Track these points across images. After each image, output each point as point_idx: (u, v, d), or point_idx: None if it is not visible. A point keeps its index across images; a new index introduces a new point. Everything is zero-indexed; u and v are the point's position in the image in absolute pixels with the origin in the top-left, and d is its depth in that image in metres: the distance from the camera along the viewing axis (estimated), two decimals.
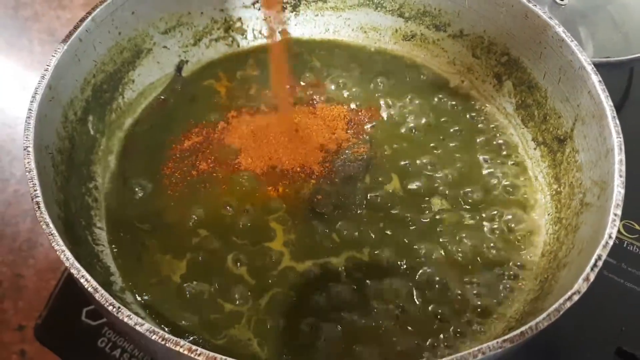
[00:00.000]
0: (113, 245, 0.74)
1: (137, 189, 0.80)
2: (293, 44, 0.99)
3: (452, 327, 0.70)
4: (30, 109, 0.65)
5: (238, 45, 0.97)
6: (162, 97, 0.90)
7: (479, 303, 0.72)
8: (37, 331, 0.85)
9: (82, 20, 0.75)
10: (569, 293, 0.56)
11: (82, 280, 0.54)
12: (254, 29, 0.97)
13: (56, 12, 1.72)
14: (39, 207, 0.58)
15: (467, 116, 0.91)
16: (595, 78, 0.72)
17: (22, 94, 1.42)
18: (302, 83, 0.93)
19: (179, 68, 0.92)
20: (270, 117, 0.87)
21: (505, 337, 0.53)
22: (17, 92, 1.44)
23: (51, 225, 0.57)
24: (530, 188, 0.82)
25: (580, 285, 0.57)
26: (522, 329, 0.54)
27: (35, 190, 0.60)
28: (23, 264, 1.22)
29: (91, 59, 0.78)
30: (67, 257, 0.55)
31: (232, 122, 0.87)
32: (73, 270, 0.55)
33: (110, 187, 0.80)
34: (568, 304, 0.56)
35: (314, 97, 0.91)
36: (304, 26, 0.99)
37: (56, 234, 0.57)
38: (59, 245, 0.56)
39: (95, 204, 0.77)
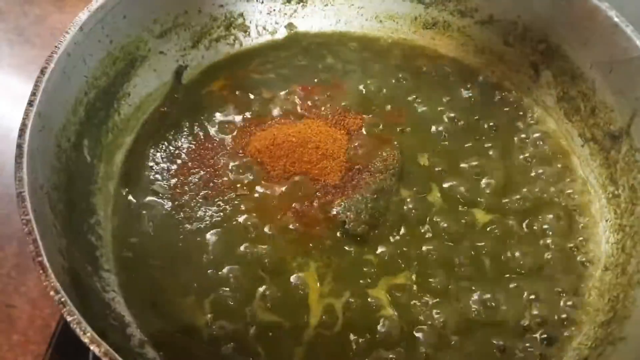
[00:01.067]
0: (124, 290, 0.65)
1: (144, 219, 0.70)
2: (301, 39, 0.89)
3: (514, 359, 0.62)
4: (19, 145, 0.55)
5: (241, 45, 0.87)
6: (163, 109, 0.80)
7: (542, 328, 0.64)
8: None
9: (68, 31, 0.64)
10: None
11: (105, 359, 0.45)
12: (258, 24, 0.87)
13: (22, 7, 1.57)
14: (44, 271, 0.49)
15: (502, 111, 0.82)
16: None
17: None
18: (317, 82, 0.84)
19: (178, 74, 0.82)
20: (285, 127, 0.78)
21: None
22: None
23: (62, 292, 0.48)
24: (581, 190, 0.75)
25: None
26: None
27: (36, 248, 0.50)
28: (14, 292, 1.10)
29: (82, 75, 0.68)
30: (85, 330, 0.46)
31: (243, 134, 0.78)
32: (93, 348, 0.46)
33: (114, 220, 0.70)
34: None
35: (332, 101, 0.81)
36: (313, 18, 0.89)
37: (69, 302, 0.48)
38: (73, 317, 0.47)
39: (100, 242, 0.67)
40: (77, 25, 0.65)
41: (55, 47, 0.63)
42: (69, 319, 0.47)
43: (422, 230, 0.70)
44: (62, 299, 0.47)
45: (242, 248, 0.68)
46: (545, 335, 0.64)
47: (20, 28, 1.50)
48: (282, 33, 0.89)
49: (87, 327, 0.47)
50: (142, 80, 0.78)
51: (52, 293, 0.48)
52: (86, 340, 0.46)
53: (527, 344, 0.63)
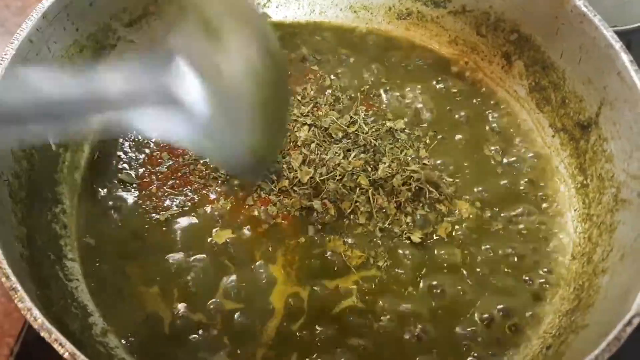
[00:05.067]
0: (89, 279, 0.65)
1: (111, 209, 0.70)
2: (275, 29, 0.88)
3: (480, 348, 0.62)
4: None
5: None
6: None
7: (508, 316, 0.64)
8: None
9: (31, 18, 0.63)
10: (628, 317, 0.49)
11: (55, 346, 0.45)
12: None
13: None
14: None
15: (474, 102, 0.82)
16: (625, 57, 0.64)
17: None
18: (290, 72, 0.83)
19: None
20: None
21: None
22: None
23: (12, 277, 0.47)
24: (551, 180, 0.75)
25: None
26: None
27: None
28: None
29: (46, 62, 0.67)
30: (36, 317, 0.46)
31: None
32: (44, 334, 0.45)
33: (80, 209, 0.69)
34: (629, 330, 0.49)
35: (304, 91, 0.81)
36: (287, 8, 0.88)
37: (19, 288, 0.47)
38: (24, 303, 0.46)
39: (65, 231, 0.66)
40: (40, 12, 0.64)
41: (17, 33, 0.62)
42: (20, 305, 0.46)
43: (392, 223, 0.70)
44: (13, 286, 0.47)
45: (208, 238, 0.68)
46: (510, 324, 0.64)
47: (1, 19, 1.49)
48: None
49: (38, 314, 0.46)
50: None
51: (3, 279, 0.47)
52: (36, 327, 0.45)
53: (493, 333, 0.63)
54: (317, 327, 0.63)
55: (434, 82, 0.83)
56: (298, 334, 0.62)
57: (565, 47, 0.72)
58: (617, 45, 0.65)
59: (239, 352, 0.61)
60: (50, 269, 0.61)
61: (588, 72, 0.70)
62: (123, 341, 0.61)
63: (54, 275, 0.61)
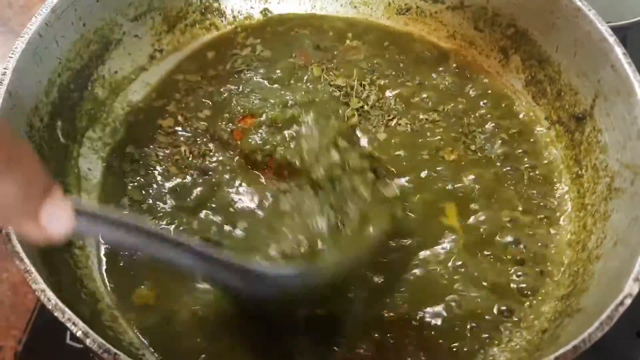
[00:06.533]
0: (98, 267, 0.66)
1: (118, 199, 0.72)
2: (277, 24, 0.90)
3: (476, 333, 0.64)
4: None
5: (217, 29, 0.88)
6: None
7: (503, 302, 0.66)
8: (18, 359, 0.77)
9: (40, 12, 0.65)
10: (621, 297, 0.51)
11: (69, 325, 0.47)
12: (233, 9, 0.88)
13: None
14: (9, 240, 0.50)
15: (471, 95, 0.84)
16: (619, 50, 0.66)
17: None
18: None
19: (153, 59, 0.83)
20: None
21: (557, 354, 0.48)
22: None
23: (26, 260, 0.49)
24: (546, 171, 0.76)
25: (632, 287, 0.51)
26: (575, 342, 0.48)
27: None
28: None
29: (54, 57, 0.68)
30: (49, 298, 0.48)
31: (219, 119, 0.78)
32: (57, 314, 0.47)
33: (88, 199, 0.71)
34: (621, 310, 0.50)
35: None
36: (288, 3, 0.90)
37: (33, 270, 0.49)
38: (38, 285, 0.48)
39: None
40: (49, 7, 0.66)
41: (27, 28, 0.64)
42: (34, 287, 0.48)
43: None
44: (28, 268, 0.49)
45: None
46: (506, 310, 0.66)
47: (4, 18, 1.50)
48: (257, 18, 0.90)
49: (52, 295, 0.48)
50: (117, 63, 0.79)
51: (17, 262, 0.49)
52: (50, 307, 0.47)
53: (488, 318, 0.65)
54: None
55: (432, 76, 0.85)
56: None
57: (561, 41, 0.74)
58: (611, 38, 0.67)
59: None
60: (60, 257, 0.63)
61: (583, 65, 0.72)
62: (134, 328, 0.62)
63: (64, 262, 0.63)
